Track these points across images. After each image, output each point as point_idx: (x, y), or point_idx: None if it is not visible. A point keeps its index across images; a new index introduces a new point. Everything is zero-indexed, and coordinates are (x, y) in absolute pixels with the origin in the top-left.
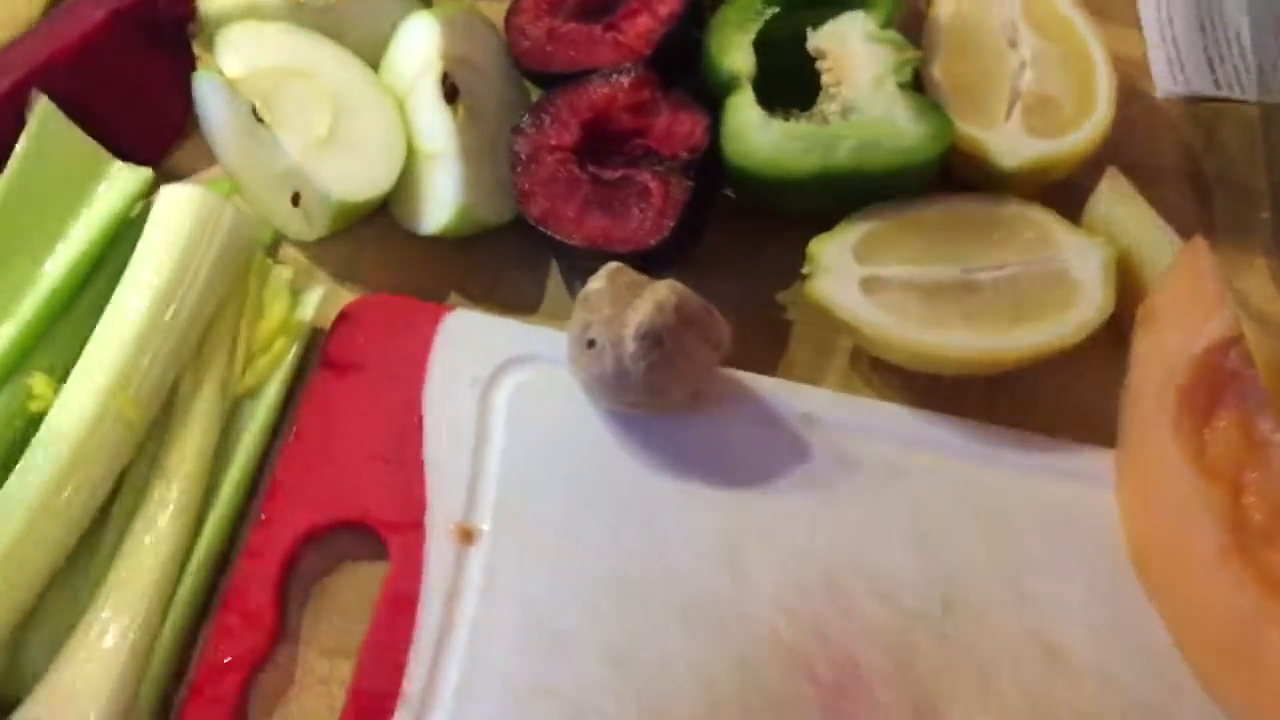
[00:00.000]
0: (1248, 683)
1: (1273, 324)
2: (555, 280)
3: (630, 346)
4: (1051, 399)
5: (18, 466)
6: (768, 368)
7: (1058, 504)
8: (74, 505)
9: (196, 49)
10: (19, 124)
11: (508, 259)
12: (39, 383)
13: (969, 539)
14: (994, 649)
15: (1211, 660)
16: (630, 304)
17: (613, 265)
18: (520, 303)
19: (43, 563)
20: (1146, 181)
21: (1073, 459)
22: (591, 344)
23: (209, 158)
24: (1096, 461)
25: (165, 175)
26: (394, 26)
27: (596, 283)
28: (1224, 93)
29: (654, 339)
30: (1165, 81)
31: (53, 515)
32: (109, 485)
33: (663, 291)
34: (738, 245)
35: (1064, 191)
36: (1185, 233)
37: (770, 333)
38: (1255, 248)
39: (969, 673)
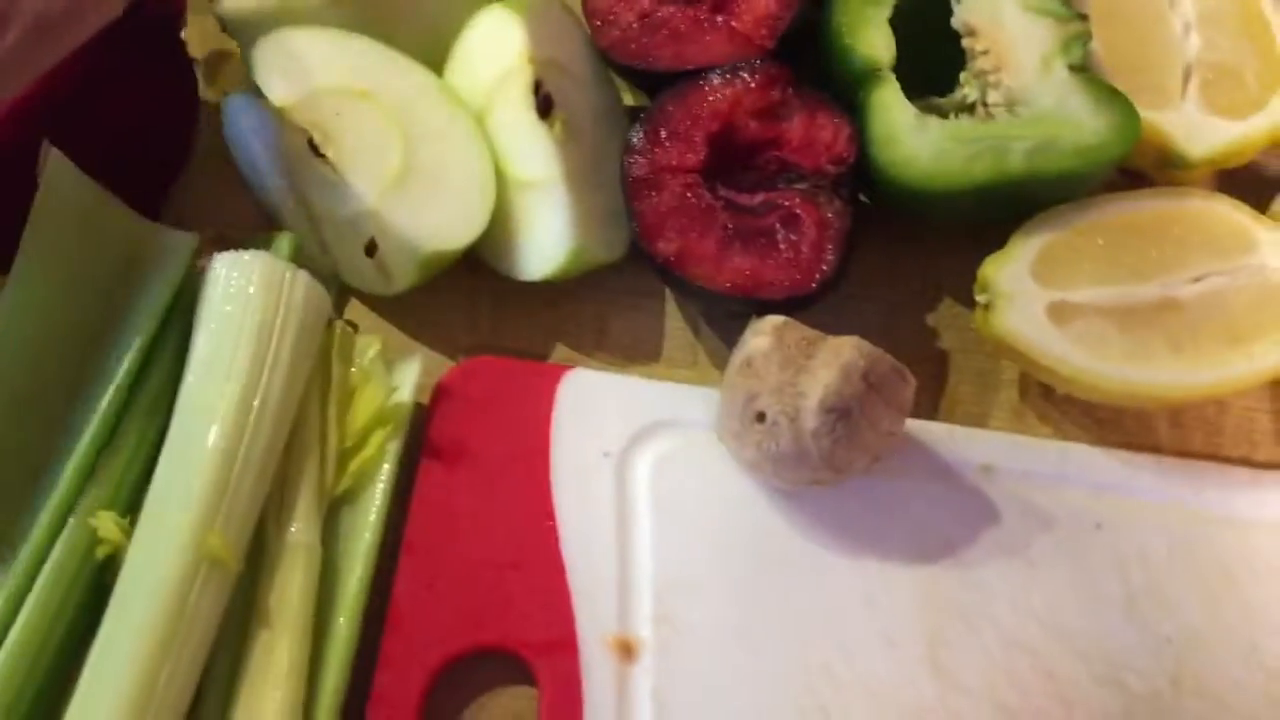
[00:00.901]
0: None
1: None
2: (674, 318)
3: (811, 421)
4: (1244, 421)
5: (99, 638)
6: (929, 408)
7: (1276, 548)
8: (174, 682)
9: (226, 68)
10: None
11: (616, 298)
12: (105, 523)
13: (1187, 598)
14: None
15: None
16: (805, 368)
17: (775, 320)
18: (638, 350)
19: None
20: None
21: None
22: (761, 417)
23: (218, 191)
24: None
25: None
26: (456, 22)
27: (759, 341)
28: None
29: (841, 411)
30: None
31: (149, 698)
32: (208, 647)
33: (848, 353)
34: (875, 261)
35: (1238, 172)
36: None
37: (926, 365)
38: None
39: None
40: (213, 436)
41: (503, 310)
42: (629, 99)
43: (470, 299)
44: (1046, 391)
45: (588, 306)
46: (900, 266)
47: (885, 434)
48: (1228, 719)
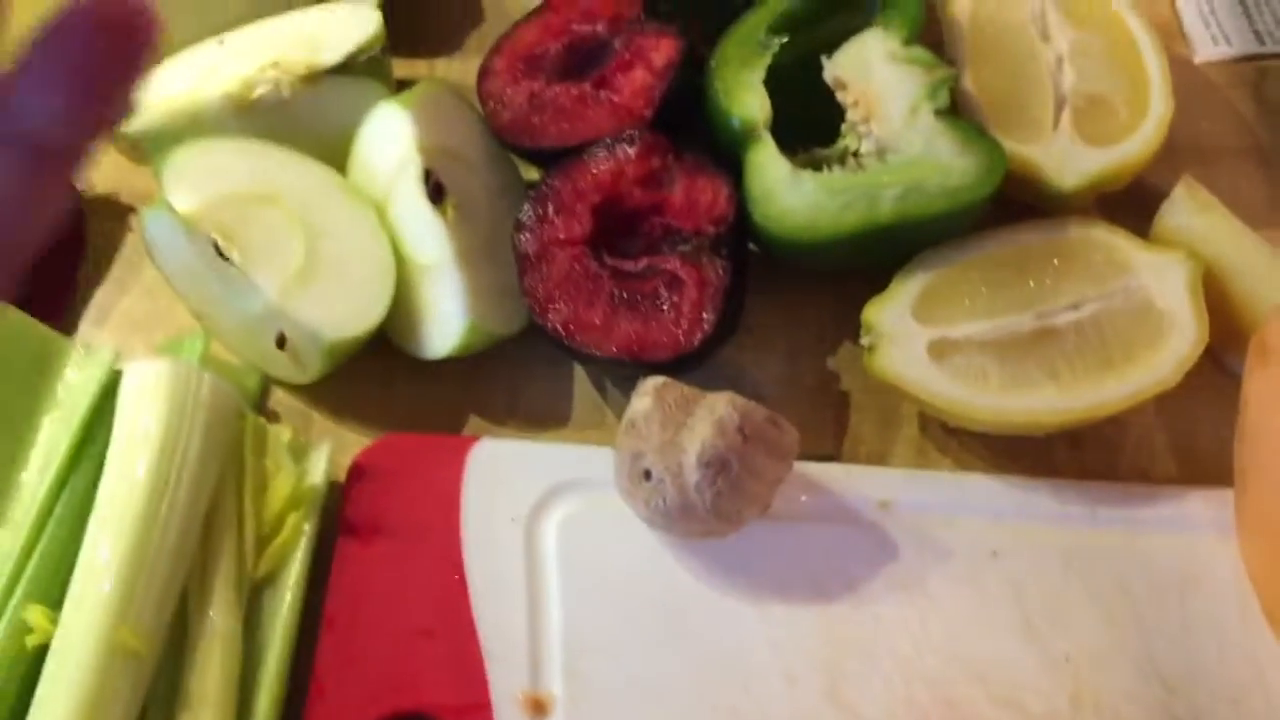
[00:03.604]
0: None
1: None
2: (582, 383)
3: (693, 476)
4: (1141, 440)
5: None
6: (830, 450)
7: (1171, 559)
8: None
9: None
10: None
11: (524, 368)
12: (36, 615)
13: (1083, 616)
14: None
15: None
16: (684, 424)
17: (656, 381)
18: (548, 416)
19: None
20: (1201, 166)
21: (1180, 506)
22: (648, 475)
23: (152, 296)
24: (1206, 505)
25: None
26: (357, 119)
27: (641, 403)
28: (1270, 48)
29: (719, 465)
30: (1203, 45)
31: None
32: None
33: (721, 408)
34: (771, 311)
35: (1122, 196)
36: (1254, 218)
37: (827, 409)
38: None
39: None
40: (124, 536)
41: (417, 388)
42: (535, 175)
43: (385, 379)
44: (945, 425)
45: (498, 379)
46: (800, 314)
47: (772, 482)
48: None
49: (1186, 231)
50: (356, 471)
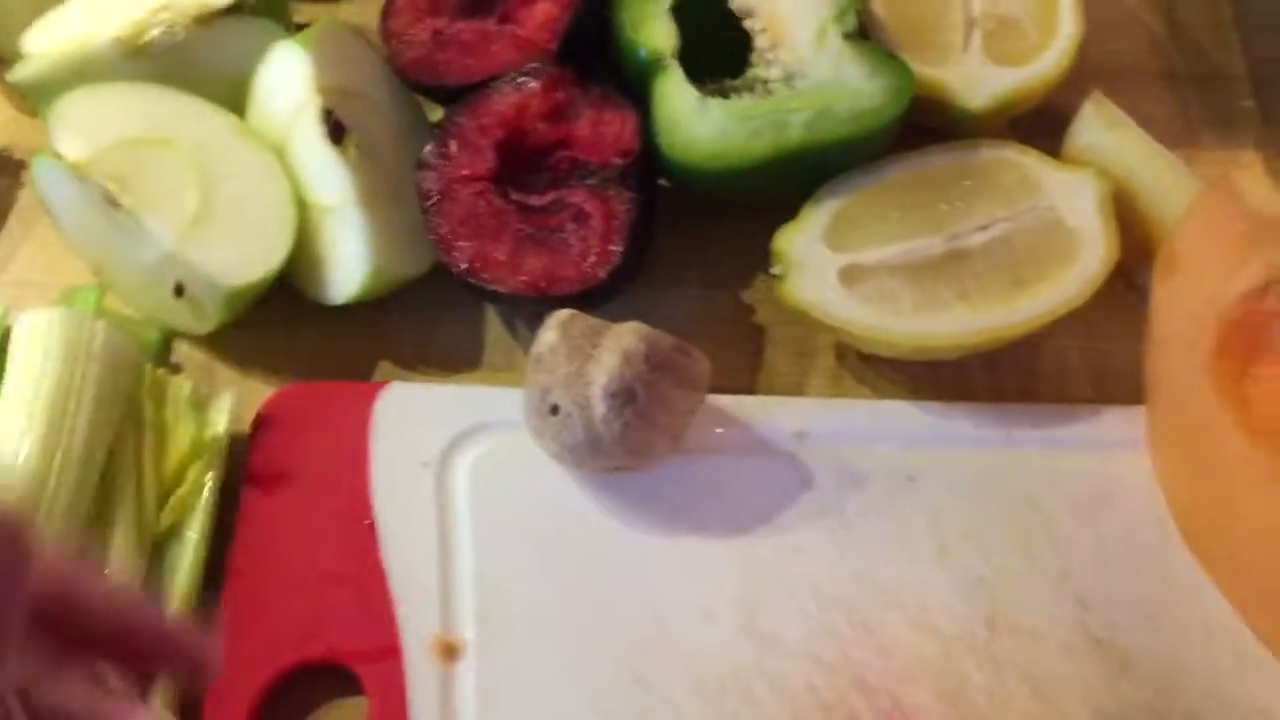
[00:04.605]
0: None
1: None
2: (494, 325)
3: (599, 408)
4: (1057, 360)
5: None
6: (747, 383)
7: (1086, 478)
8: None
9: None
10: None
11: (435, 310)
12: None
13: (999, 538)
14: (1049, 664)
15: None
16: (591, 357)
17: (562, 314)
18: (459, 359)
19: None
20: (1113, 87)
21: (1096, 425)
22: (555, 410)
23: (53, 249)
24: (1120, 423)
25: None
26: (254, 61)
27: (547, 336)
28: None
29: (626, 395)
30: None
31: None
32: None
33: (627, 338)
34: (685, 245)
35: (1034, 117)
36: (1166, 139)
37: (743, 342)
38: (1243, 141)
39: (1027, 697)
40: (15, 490)
41: (325, 334)
42: (440, 115)
43: (291, 327)
44: (861, 354)
45: (408, 322)
46: (713, 248)
47: (682, 413)
48: (1042, 651)
49: (1097, 149)
50: (261, 421)
